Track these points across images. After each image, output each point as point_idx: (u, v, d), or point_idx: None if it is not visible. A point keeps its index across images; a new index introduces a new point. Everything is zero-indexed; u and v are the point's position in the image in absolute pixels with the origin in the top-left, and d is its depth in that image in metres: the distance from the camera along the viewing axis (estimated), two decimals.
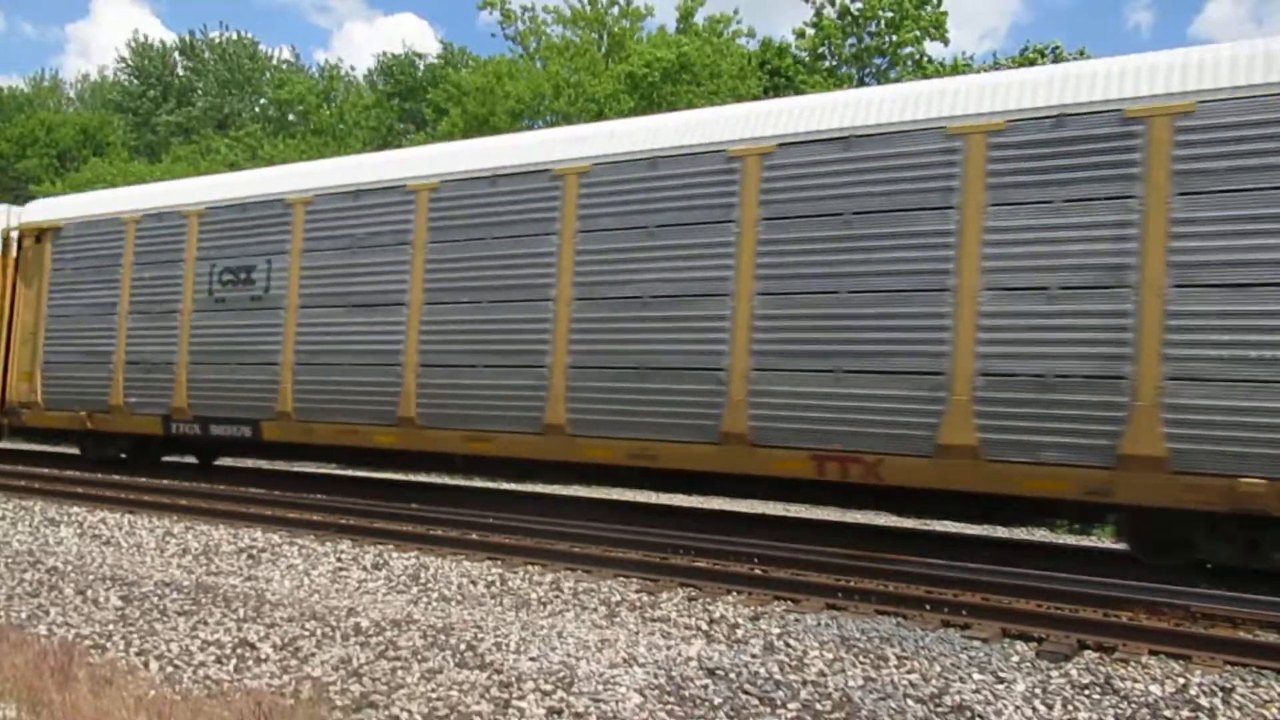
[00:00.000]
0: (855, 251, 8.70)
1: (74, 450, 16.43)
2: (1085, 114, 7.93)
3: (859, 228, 8.69)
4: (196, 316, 13.04)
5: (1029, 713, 4.95)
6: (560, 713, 4.81)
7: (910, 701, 5.04)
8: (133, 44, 46.96)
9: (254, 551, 8.88)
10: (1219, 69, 7.63)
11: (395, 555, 8.73)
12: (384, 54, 41.13)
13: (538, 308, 10.30)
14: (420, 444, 11.06)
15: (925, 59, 28.27)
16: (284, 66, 46.22)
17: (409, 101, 37.97)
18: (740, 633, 6.38)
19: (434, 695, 5.02)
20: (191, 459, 16.02)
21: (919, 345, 8.35)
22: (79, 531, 9.84)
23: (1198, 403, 7.35)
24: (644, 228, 9.73)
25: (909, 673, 5.56)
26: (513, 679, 5.21)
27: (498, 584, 7.72)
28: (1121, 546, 8.35)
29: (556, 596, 7.34)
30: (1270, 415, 7.09)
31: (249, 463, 17.00)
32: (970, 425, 8.08)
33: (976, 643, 6.17)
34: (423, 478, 14.70)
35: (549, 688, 5.09)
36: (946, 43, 28.83)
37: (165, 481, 13.49)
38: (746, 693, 5.11)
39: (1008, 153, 8.18)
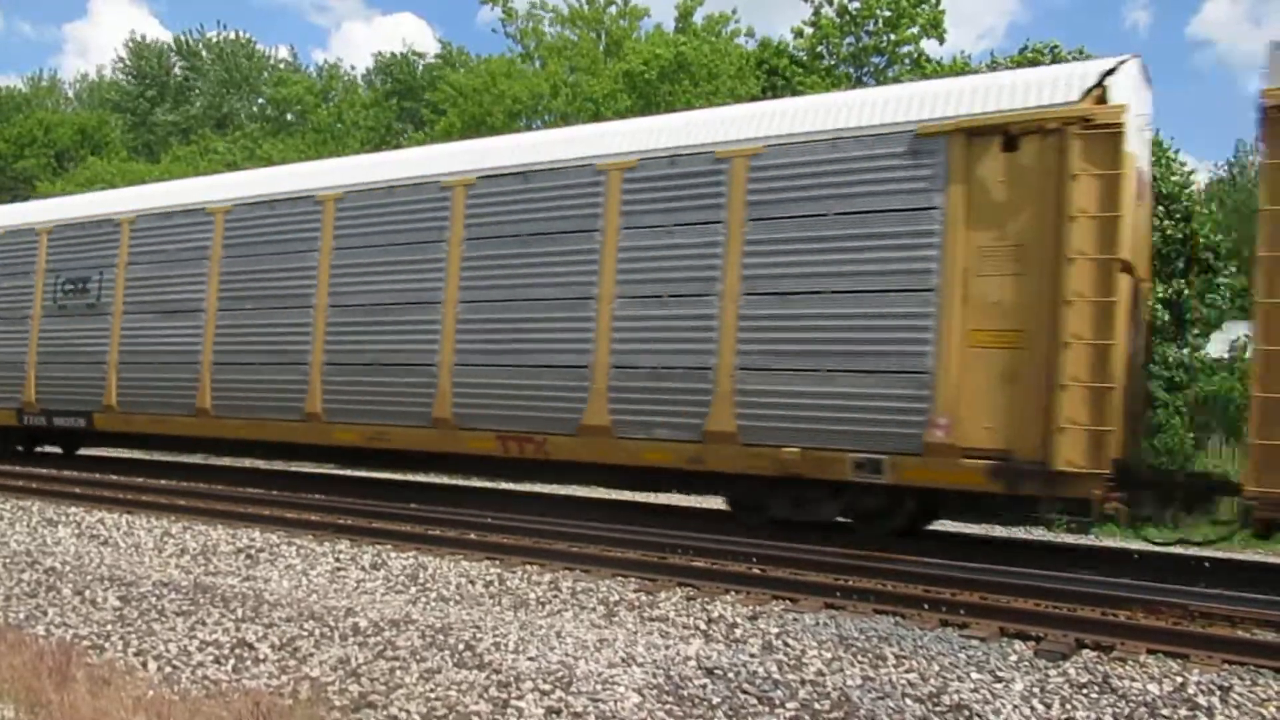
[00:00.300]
0: (528, 267, 10.49)
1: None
2: (690, 154, 9.75)
3: (533, 247, 10.49)
4: (44, 322, 14.82)
5: (1027, 711, 4.96)
6: (559, 712, 4.81)
7: (908, 700, 5.05)
8: (130, 44, 46.94)
9: (252, 551, 8.88)
10: (782, 118, 9.63)
11: (393, 555, 8.73)
12: (379, 54, 41.13)
13: (302, 314, 12.09)
14: (213, 431, 12.97)
15: (923, 58, 28.25)
16: (281, 66, 46.20)
17: (408, 101, 37.94)
18: (739, 632, 6.38)
19: (432, 695, 5.02)
20: (57, 449, 17.56)
21: (571, 343, 10.12)
22: (77, 532, 9.84)
23: (757, 388, 9.13)
24: (380, 245, 11.55)
25: (907, 672, 5.56)
26: (511, 679, 5.22)
27: (496, 584, 7.72)
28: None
29: (555, 596, 7.34)
30: (806, 398, 8.87)
31: (246, 462, 17.02)
32: (605, 409, 9.86)
33: (975, 642, 6.18)
34: (420, 478, 14.73)
35: (547, 687, 5.10)
36: (943, 41, 28.79)
37: (163, 482, 13.52)
38: (745, 692, 5.11)
39: (637, 185, 9.96)
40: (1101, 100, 8.27)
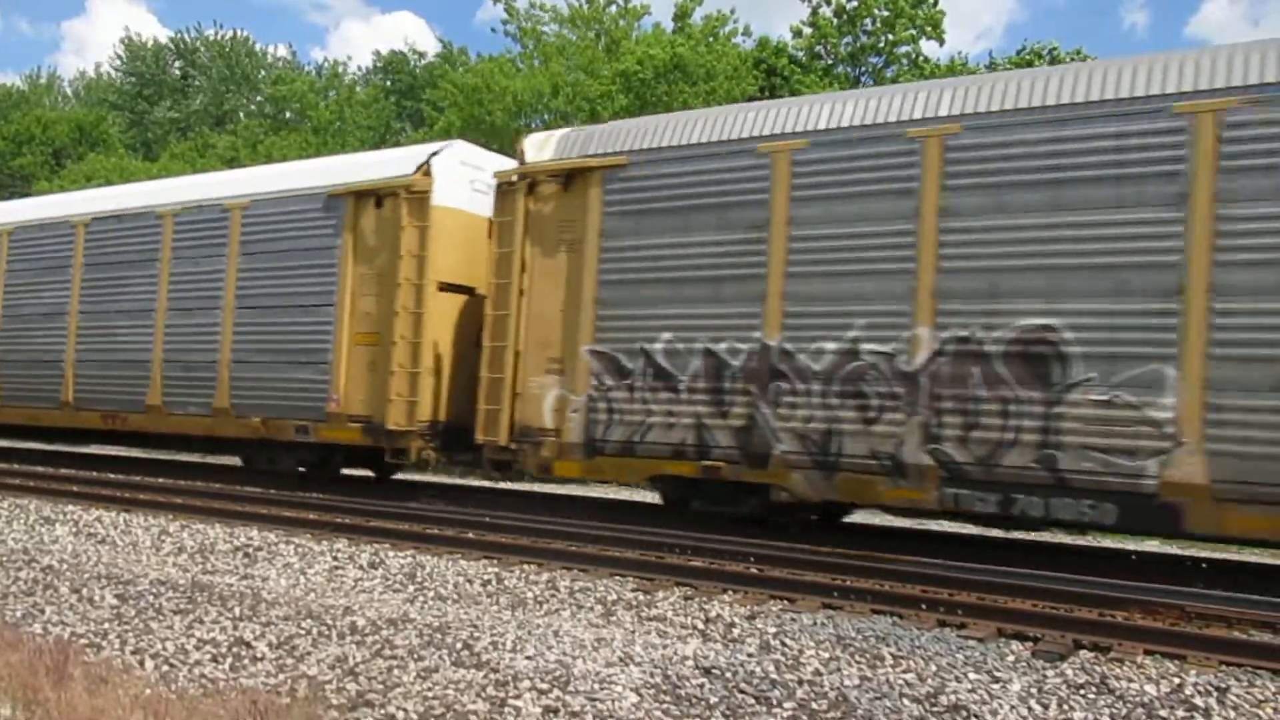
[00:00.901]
0: (119, 287, 14.14)
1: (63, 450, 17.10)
2: (209, 205, 13.33)
3: (122, 272, 14.09)
4: None
5: (1024, 712, 4.96)
6: (556, 711, 4.81)
7: (906, 701, 5.05)
8: (124, 42, 46.84)
9: (250, 550, 8.87)
10: (263, 179, 13.32)
11: (391, 554, 8.73)
12: (377, 54, 41.02)
13: None
14: None
15: (921, 58, 28.24)
16: (280, 65, 46.12)
17: (408, 100, 37.87)
18: (736, 632, 6.38)
19: (430, 694, 5.02)
20: None
21: (140, 345, 13.75)
22: (74, 530, 9.83)
23: (242, 376, 12.70)
24: (40, 269, 15.22)
25: (905, 672, 5.56)
26: (509, 678, 5.22)
27: (494, 583, 7.72)
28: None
29: (553, 595, 7.34)
30: (268, 382, 12.42)
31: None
32: (160, 393, 13.55)
33: (972, 642, 6.18)
34: (418, 477, 14.73)
35: (545, 686, 5.10)
36: (943, 42, 28.77)
37: (161, 480, 13.51)
38: (742, 692, 5.11)
39: (182, 227, 13.58)
40: (427, 174, 11.58)
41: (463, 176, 11.80)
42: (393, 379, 11.33)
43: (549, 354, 10.29)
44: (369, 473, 13.68)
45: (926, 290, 8.45)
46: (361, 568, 8.26)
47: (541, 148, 10.77)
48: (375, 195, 11.80)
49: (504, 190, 10.82)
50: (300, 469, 13.00)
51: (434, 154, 11.78)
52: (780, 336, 9.05)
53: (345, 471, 13.42)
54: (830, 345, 8.81)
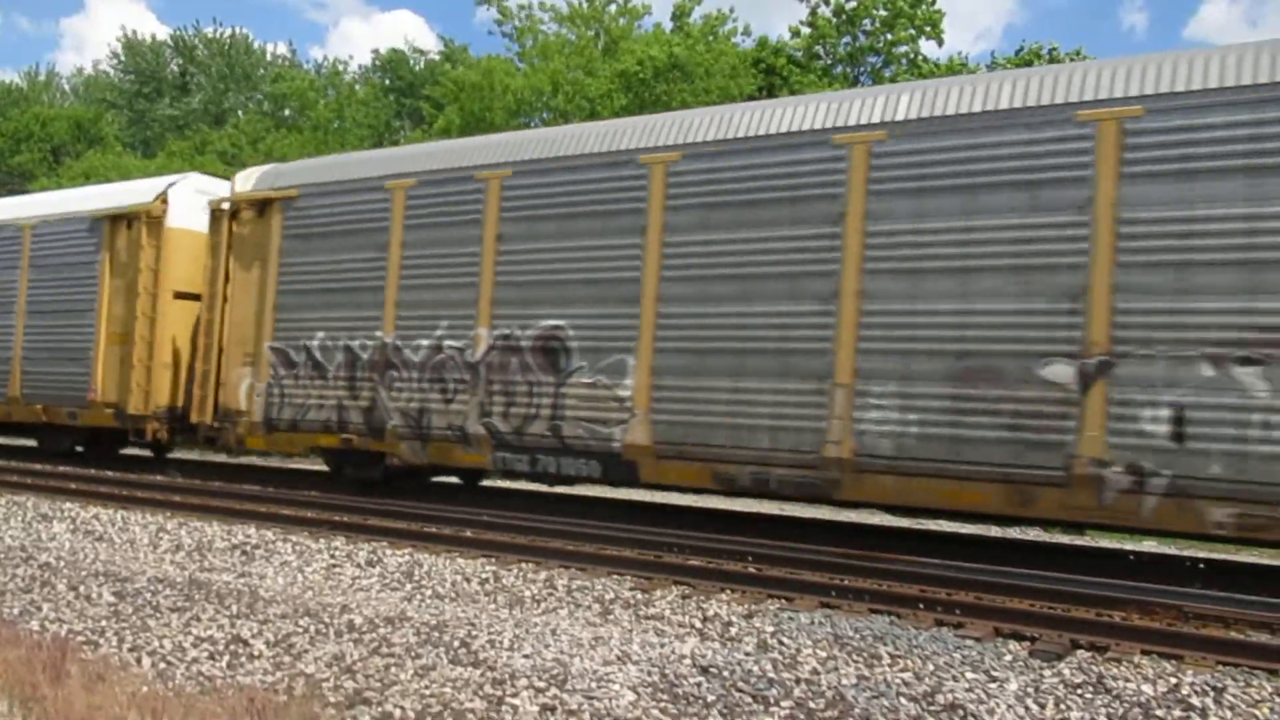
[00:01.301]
0: None
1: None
2: (7, 225, 15.70)
3: None
4: None
5: (1021, 712, 4.96)
6: (554, 710, 4.81)
7: (903, 700, 5.05)
8: (123, 39, 46.74)
9: (247, 548, 8.87)
10: (46, 204, 15.92)
11: (389, 552, 8.73)
12: (377, 53, 40.88)
13: None
14: None
15: (920, 58, 28.26)
16: (280, 63, 46.05)
17: (408, 98, 37.82)
18: (734, 631, 6.39)
19: (427, 692, 5.02)
20: None
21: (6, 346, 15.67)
22: (72, 527, 9.83)
23: (32, 370, 15.19)
24: None
25: (902, 671, 5.56)
26: (506, 676, 5.22)
27: (491, 581, 7.72)
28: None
29: (550, 594, 7.35)
30: (52, 374, 14.84)
31: (244, 459, 17.00)
32: (20, 384, 15.44)
33: (969, 642, 6.18)
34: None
35: (542, 685, 5.10)
36: (942, 43, 28.81)
37: (159, 478, 13.51)
38: (740, 690, 5.12)
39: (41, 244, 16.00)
40: (164, 201, 13.91)
41: (198, 203, 13.87)
42: (133, 372, 13.73)
43: (244, 349, 12.63)
44: (148, 452, 16.31)
45: (486, 299, 10.77)
46: (359, 565, 8.26)
47: (246, 180, 13.10)
48: (126, 219, 14.19)
49: (216, 215, 13.17)
50: (79, 448, 15.83)
51: (171, 184, 14.14)
52: (394, 335, 11.43)
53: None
54: (425, 342, 11.17)
